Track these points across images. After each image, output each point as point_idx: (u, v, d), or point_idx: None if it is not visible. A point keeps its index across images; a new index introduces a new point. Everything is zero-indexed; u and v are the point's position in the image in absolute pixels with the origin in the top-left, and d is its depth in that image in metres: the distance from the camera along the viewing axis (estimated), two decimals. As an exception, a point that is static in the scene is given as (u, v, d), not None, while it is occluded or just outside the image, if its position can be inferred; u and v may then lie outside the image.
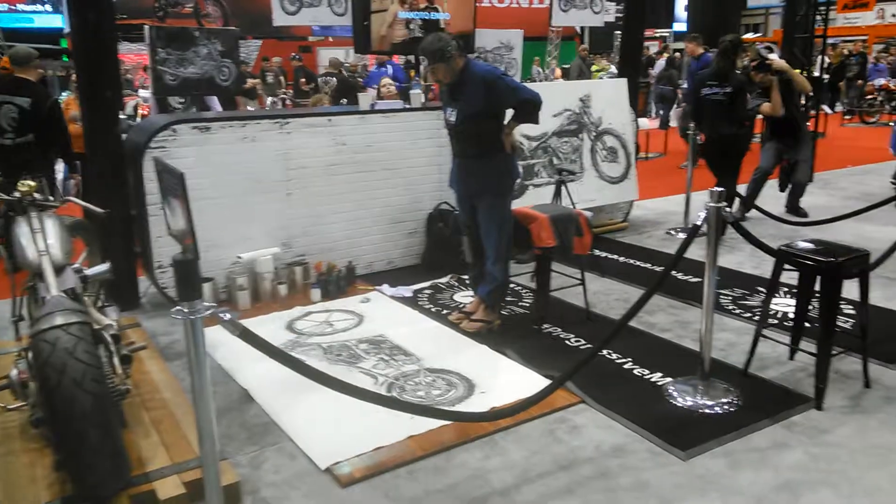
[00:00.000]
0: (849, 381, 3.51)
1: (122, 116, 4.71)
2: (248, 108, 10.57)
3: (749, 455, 2.90)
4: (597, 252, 5.47)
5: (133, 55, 15.61)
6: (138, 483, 2.61)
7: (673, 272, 3.21)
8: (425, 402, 3.34)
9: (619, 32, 13.18)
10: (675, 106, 12.78)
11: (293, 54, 15.20)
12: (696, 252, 3.59)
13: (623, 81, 6.55)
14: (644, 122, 10.07)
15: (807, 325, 3.67)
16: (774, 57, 6.51)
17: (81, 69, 4.51)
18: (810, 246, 3.43)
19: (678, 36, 21.11)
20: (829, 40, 11.12)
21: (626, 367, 3.68)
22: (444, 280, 5.16)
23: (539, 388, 3.09)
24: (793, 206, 6.90)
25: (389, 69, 10.52)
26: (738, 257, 5.59)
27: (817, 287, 3.39)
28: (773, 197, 6.86)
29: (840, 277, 3.29)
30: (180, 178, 2.50)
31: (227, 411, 3.32)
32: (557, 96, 5.96)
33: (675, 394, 3.36)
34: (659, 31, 24.04)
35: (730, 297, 4.68)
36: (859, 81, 15.97)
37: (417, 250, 5.51)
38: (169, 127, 4.45)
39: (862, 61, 16.46)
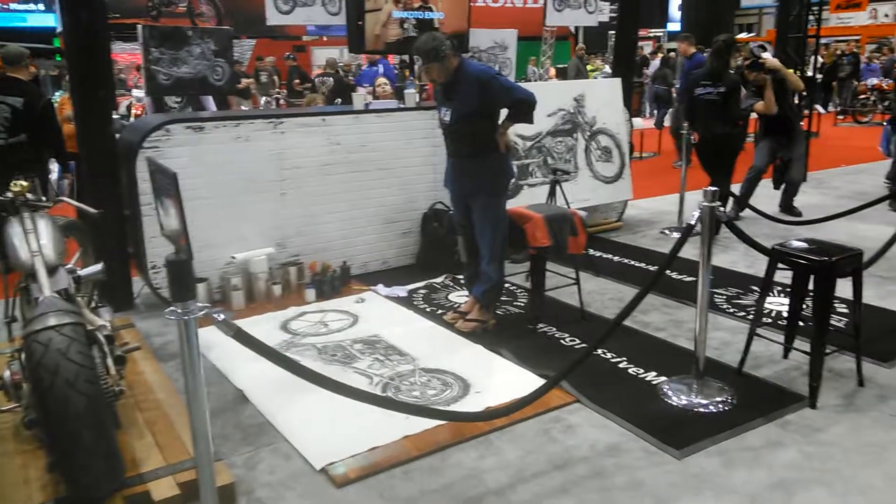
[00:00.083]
0: (842, 380, 3.52)
1: (115, 116, 4.69)
2: (242, 107, 10.55)
3: (743, 454, 2.91)
4: (591, 251, 5.47)
5: (126, 55, 15.57)
6: (132, 484, 2.60)
7: (667, 271, 3.23)
8: (420, 402, 3.34)
9: (613, 32, 13.21)
10: (671, 107, 12.81)
11: (287, 53, 15.18)
12: (690, 251, 3.59)
13: (617, 81, 6.56)
14: (638, 122, 10.09)
15: (800, 323, 3.68)
16: (768, 56, 6.53)
17: (74, 69, 4.49)
18: (804, 245, 3.44)
19: (672, 36, 21.16)
20: (822, 40, 11.15)
21: (620, 366, 3.69)
22: (438, 280, 5.15)
23: (534, 387, 3.10)
24: (786, 205, 6.92)
25: (381, 68, 10.51)
26: (732, 256, 5.61)
27: (811, 286, 3.41)
28: (766, 196, 6.88)
29: (833, 276, 3.30)
30: (173, 178, 2.49)
31: (222, 412, 3.31)
32: (552, 96, 5.96)
33: (669, 393, 3.37)
34: (653, 30, 24.09)
35: (724, 297, 4.70)
36: (854, 82, 16.03)
37: (412, 250, 5.51)
38: (162, 127, 4.44)
39: (854, 61, 16.52)
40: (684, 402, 3.29)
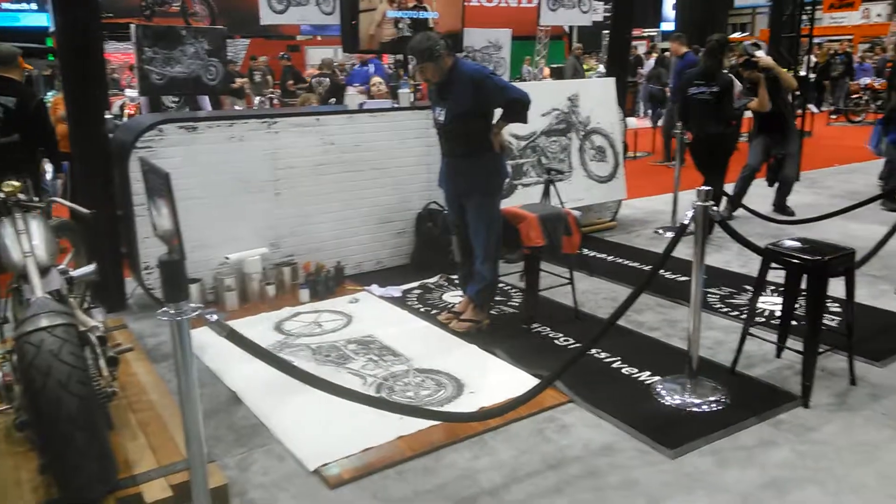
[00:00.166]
0: (835, 379, 3.53)
1: (108, 116, 4.67)
2: (236, 107, 10.52)
3: (736, 453, 2.92)
4: (585, 251, 5.48)
5: (120, 54, 15.51)
6: (125, 486, 2.59)
7: (661, 271, 3.23)
8: (414, 403, 3.34)
9: (607, 32, 13.21)
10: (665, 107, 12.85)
11: (282, 53, 15.14)
12: (684, 251, 3.61)
13: (611, 81, 6.56)
14: (632, 122, 10.11)
15: (793, 323, 3.69)
16: (761, 54, 6.54)
17: (67, 68, 4.47)
18: (797, 244, 3.46)
19: (666, 35, 21.20)
20: (815, 40, 11.19)
21: (614, 365, 3.70)
22: (433, 280, 5.15)
23: (528, 387, 3.10)
24: (780, 204, 6.95)
25: (371, 67, 10.52)
26: (726, 256, 5.62)
27: (804, 285, 3.42)
28: (760, 196, 6.90)
29: (826, 276, 3.31)
30: (166, 178, 2.48)
31: (215, 413, 3.31)
32: (546, 96, 5.96)
33: (663, 392, 3.37)
34: (647, 30, 24.13)
35: (717, 296, 4.71)
36: (847, 79, 16.08)
37: (406, 250, 5.51)
38: (155, 126, 4.42)
39: (847, 61, 16.59)
40: (677, 401, 3.30)
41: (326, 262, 5.02)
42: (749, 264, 5.24)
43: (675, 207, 6.51)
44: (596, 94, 6.31)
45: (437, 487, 2.73)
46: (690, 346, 3.34)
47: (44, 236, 3.02)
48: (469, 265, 4.21)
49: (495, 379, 3.59)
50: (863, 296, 4.46)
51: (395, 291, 4.90)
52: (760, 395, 3.37)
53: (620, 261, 5.62)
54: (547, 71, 14.44)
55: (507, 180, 4.43)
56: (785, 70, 6.62)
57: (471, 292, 4.20)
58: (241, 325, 4.24)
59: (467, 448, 2.99)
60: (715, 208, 3.19)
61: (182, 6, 8.48)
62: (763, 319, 4.26)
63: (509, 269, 4.89)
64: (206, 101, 8.53)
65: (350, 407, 2.66)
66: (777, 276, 3.69)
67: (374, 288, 4.95)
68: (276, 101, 12.45)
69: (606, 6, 14.67)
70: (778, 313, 3.90)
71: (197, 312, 2.10)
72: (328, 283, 4.89)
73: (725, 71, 6.27)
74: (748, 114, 7.00)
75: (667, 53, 14.03)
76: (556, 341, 4.03)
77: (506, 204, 4.30)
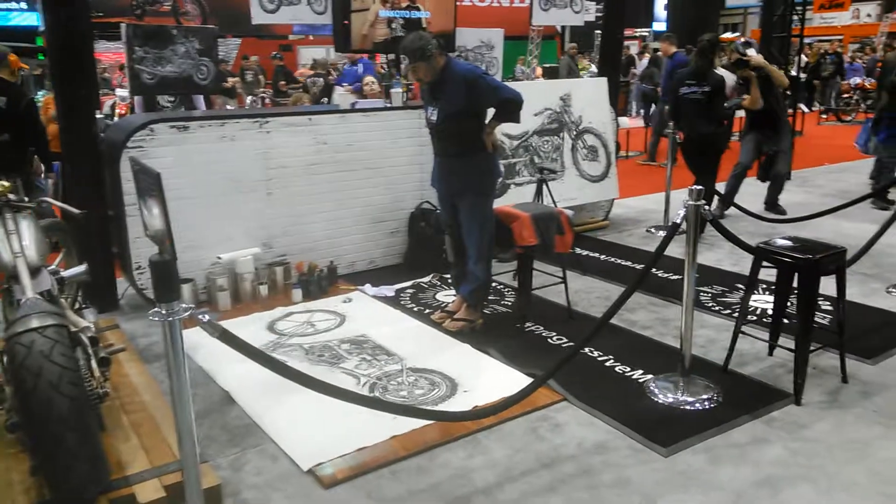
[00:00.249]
0: (826, 377, 3.55)
1: (99, 116, 4.65)
2: (228, 106, 10.49)
3: (729, 451, 2.93)
4: (578, 250, 5.49)
5: (110, 54, 15.43)
6: (118, 487, 2.58)
7: (653, 270, 3.24)
8: (408, 402, 3.33)
9: (599, 32, 13.25)
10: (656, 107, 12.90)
11: (274, 53, 15.10)
12: (676, 250, 3.62)
13: (603, 80, 6.58)
14: (624, 121, 10.13)
15: (785, 321, 3.70)
16: (752, 53, 6.57)
17: (57, 68, 4.44)
18: (788, 243, 3.47)
19: (657, 35, 21.27)
20: (806, 40, 11.26)
21: (607, 364, 3.70)
22: (426, 279, 5.15)
23: (521, 386, 3.10)
24: (772, 202, 6.97)
25: (360, 67, 10.52)
26: (718, 255, 5.64)
27: (795, 284, 3.43)
28: (751, 194, 6.93)
29: (817, 274, 3.33)
30: (156, 178, 2.47)
31: (208, 413, 3.29)
32: (538, 95, 5.97)
33: (656, 391, 3.38)
34: (639, 30, 24.20)
35: (709, 295, 4.72)
36: (838, 78, 16.17)
37: (399, 250, 5.50)
38: (146, 126, 4.40)
39: (838, 61, 16.68)
40: (671, 399, 3.31)
41: (319, 261, 5.00)
42: (741, 263, 5.26)
43: (668, 206, 6.53)
44: (588, 94, 6.32)
45: (431, 487, 2.73)
46: (683, 344, 3.35)
47: (34, 236, 3.00)
48: (462, 265, 4.21)
49: (489, 378, 3.59)
50: (854, 294, 4.48)
51: (389, 291, 4.90)
52: (753, 393, 3.38)
53: (613, 260, 5.63)
54: (539, 70, 14.47)
55: (500, 180, 4.44)
56: (775, 67, 6.65)
57: (464, 292, 4.20)
58: (233, 325, 4.23)
59: (461, 447, 2.99)
60: (707, 207, 3.20)
61: (173, 5, 8.47)
62: (755, 318, 4.28)
63: (502, 268, 4.89)
64: (200, 100, 8.52)
65: (344, 407, 2.66)
66: (769, 274, 3.71)
67: (368, 287, 4.95)
68: (267, 101, 12.43)
69: (598, 6, 14.70)
70: (770, 311, 3.92)
71: (189, 313, 2.10)
72: (321, 282, 4.88)
73: (717, 70, 6.29)
74: (740, 113, 7.02)
75: (659, 53, 14.08)
76: (549, 340, 4.04)
77: (499, 203, 4.30)
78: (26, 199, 3.21)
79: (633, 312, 4.42)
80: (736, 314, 4.11)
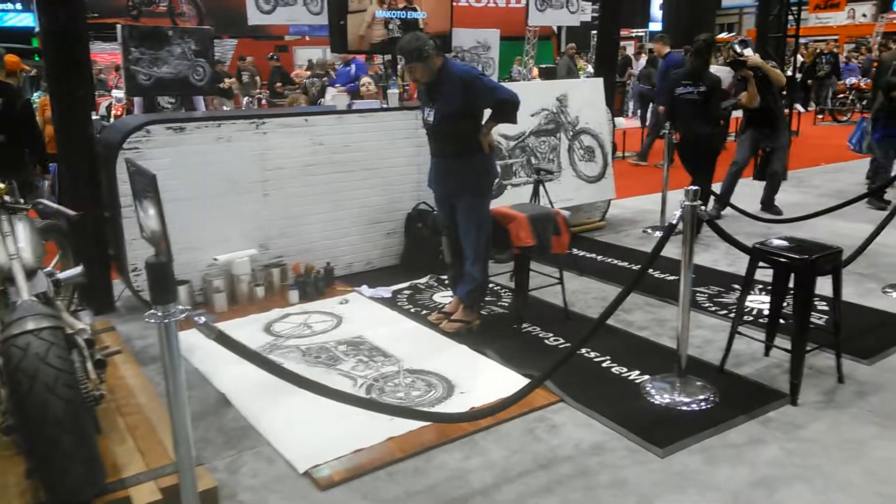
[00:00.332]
0: (822, 377, 3.56)
1: (95, 117, 4.64)
2: (224, 107, 10.48)
3: (726, 451, 2.93)
4: (575, 251, 5.49)
5: (106, 55, 15.41)
6: (113, 490, 2.57)
7: (650, 270, 3.24)
8: (405, 404, 3.33)
9: (595, 32, 13.27)
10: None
11: (271, 54, 15.09)
12: (672, 250, 3.63)
13: (599, 81, 6.58)
14: (621, 122, 10.14)
15: (781, 321, 3.71)
16: (749, 52, 6.58)
17: (53, 69, 4.43)
18: (784, 243, 3.48)
19: (653, 36, 21.32)
20: (801, 40, 11.28)
21: (604, 365, 3.70)
22: (423, 280, 5.15)
23: (518, 387, 3.10)
24: (768, 201, 6.98)
25: (353, 68, 10.52)
26: (714, 255, 5.65)
27: (791, 284, 3.44)
28: (747, 195, 6.94)
29: (813, 274, 3.33)
30: (152, 179, 2.46)
31: (204, 415, 3.29)
32: (534, 96, 5.97)
33: (652, 391, 3.38)
34: (635, 30, 24.24)
35: (706, 295, 4.73)
36: (834, 78, 16.20)
37: (396, 251, 5.50)
38: (142, 127, 4.39)
39: (833, 61, 16.72)
40: (667, 400, 3.31)
41: (316, 263, 5.00)
42: (737, 263, 5.26)
43: (664, 207, 6.53)
44: (584, 95, 6.32)
45: (427, 488, 2.73)
46: (679, 345, 3.35)
47: (30, 238, 3.00)
48: (459, 266, 4.21)
49: (486, 379, 3.59)
50: (850, 294, 4.49)
51: (385, 292, 4.89)
52: (749, 394, 3.39)
53: (610, 260, 5.64)
54: (536, 71, 14.47)
55: (497, 181, 4.44)
56: (772, 66, 6.66)
57: (461, 293, 4.20)
58: (230, 326, 4.23)
59: (458, 448, 2.98)
60: (703, 208, 3.21)
61: (169, 6, 8.44)
62: (751, 318, 4.29)
63: (499, 269, 4.89)
64: (201, 101, 8.52)
65: (340, 408, 2.65)
66: (765, 274, 3.71)
67: (364, 289, 4.94)
68: (263, 102, 12.42)
69: (594, 6, 14.72)
70: (766, 312, 3.92)
71: (185, 314, 2.09)
72: (318, 284, 4.87)
73: (713, 69, 6.30)
74: (736, 113, 7.04)
75: (654, 53, 14.12)
76: (546, 341, 4.04)
77: (495, 204, 4.30)
78: (22, 200, 3.20)
79: (630, 313, 4.42)
80: (732, 315, 4.12)
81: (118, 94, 9.41)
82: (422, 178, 5.08)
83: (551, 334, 4.11)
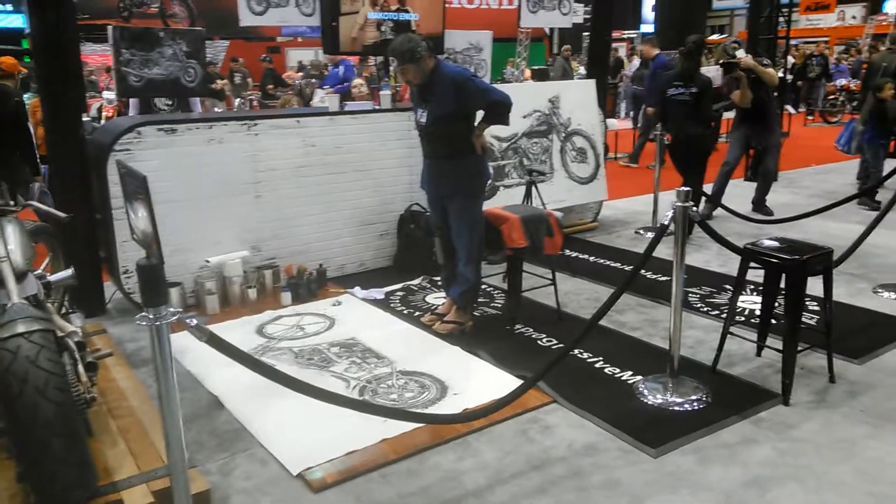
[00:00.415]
0: (814, 377, 3.57)
1: (85, 119, 4.62)
2: (216, 109, 10.45)
3: (718, 451, 2.94)
4: (567, 252, 5.50)
5: (97, 56, 15.35)
6: (105, 493, 2.55)
7: (642, 271, 3.25)
8: (398, 405, 3.33)
9: (587, 34, 13.29)
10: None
11: (264, 56, 15.06)
12: (664, 251, 3.63)
13: (591, 82, 6.60)
14: (613, 123, 10.17)
15: (773, 321, 3.73)
16: (741, 54, 6.61)
17: (43, 70, 4.40)
18: (775, 244, 3.49)
19: (644, 37, 21.40)
20: (792, 41, 11.35)
21: (597, 366, 3.71)
22: (415, 282, 5.14)
23: (511, 388, 3.11)
24: (759, 201, 7.00)
25: (342, 69, 10.52)
26: (706, 256, 5.67)
27: (783, 284, 3.45)
28: (738, 195, 6.97)
29: (805, 275, 3.35)
30: (143, 181, 2.45)
31: (197, 418, 3.27)
32: (527, 97, 5.98)
33: (645, 392, 3.39)
34: (626, 32, 24.32)
35: (698, 296, 4.75)
36: (823, 80, 16.30)
37: (389, 252, 5.49)
38: (133, 129, 4.37)
39: (824, 62, 16.82)
40: (660, 400, 3.32)
41: (308, 264, 4.99)
42: (728, 264, 5.28)
43: (656, 208, 6.55)
44: (576, 96, 6.34)
45: (421, 490, 2.73)
46: (672, 345, 3.36)
47: (20, 240, 2.97)
48: (452, 267, 4.21)
49: (479, 380, 3.59)
50: (841, 294, 4.52)
51: (378, 294, 4.89)
52: (741, 394, 3.40)
53: (602, 261, 5.65)
54: (528, 73, 14.50)
55: (489, 182, 4.44)
56: (764, 67, 6.69)
57: (454, 294, 4.20)
58: (222, 328, 4.21)
59: (451, 450, 2.98)
60: (694, 209, 3.22)
61: (160, 7, 8.43)
62: (743, 318, 4.30)
63: (492, 270, 4.89)
64: (196, 103, 8.49)
65: (333, 410, 2.65)
66: (756, 275, 3.73)
67: (357, 290, 4.93)
68: (255, 103, 12.39)
69: (586, 8, 14.75)
70: (758, 312, 3.94)
71: (177, 317, 2.08)
72: (310, 285, 4.86)
73: (704, 70, 6.33)
74: (727, 115, 7.07)
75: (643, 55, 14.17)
76: (539, 342, 4.04)
77: (488, 205, 4.30)
78: (13, 202, 3.18)
79: (623, 314, 4.43)
80: (724, 315, 4.13)
81: (109, 95, 9.38)
82: (414, 179, 5.07)
83: (544, 335, 4.11)
